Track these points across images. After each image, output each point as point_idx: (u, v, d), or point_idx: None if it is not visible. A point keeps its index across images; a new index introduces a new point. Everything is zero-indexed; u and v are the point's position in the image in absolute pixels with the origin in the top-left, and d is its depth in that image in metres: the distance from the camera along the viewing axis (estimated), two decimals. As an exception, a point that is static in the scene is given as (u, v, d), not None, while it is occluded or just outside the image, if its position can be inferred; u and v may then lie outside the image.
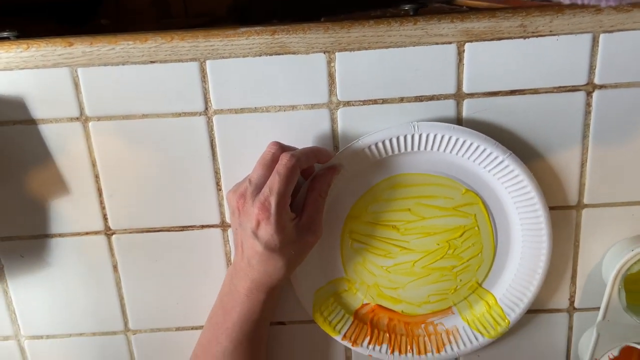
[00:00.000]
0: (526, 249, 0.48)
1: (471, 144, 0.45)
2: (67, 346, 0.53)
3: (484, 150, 0.45)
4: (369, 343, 0.52)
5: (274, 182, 0.41)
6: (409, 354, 0.52)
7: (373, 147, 0.46)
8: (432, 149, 0.46)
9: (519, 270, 0.49)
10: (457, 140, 0.45)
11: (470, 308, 0.52)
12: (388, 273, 0.51)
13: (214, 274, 0.51)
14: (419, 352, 0.52)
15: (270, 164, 0.43)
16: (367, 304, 0.52)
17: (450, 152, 0.46)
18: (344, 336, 0.51)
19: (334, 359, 0.54)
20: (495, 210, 0.49)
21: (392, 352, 0.52)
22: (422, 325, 0.52)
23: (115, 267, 0.51)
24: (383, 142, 0.45)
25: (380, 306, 0.52)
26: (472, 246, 0.50)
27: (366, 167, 0.47)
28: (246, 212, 0.42)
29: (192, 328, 0.53)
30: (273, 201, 0.41)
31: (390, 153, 0.46)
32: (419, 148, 0.46)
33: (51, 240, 0.50)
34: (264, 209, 0.41)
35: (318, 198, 0.45)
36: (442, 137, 0.45)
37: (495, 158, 0.45)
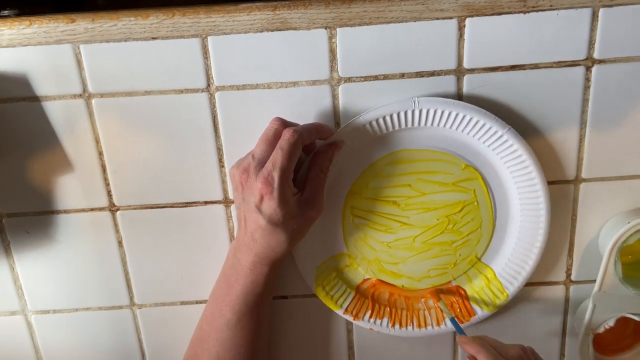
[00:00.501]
0: (524, 224, 0.49)
1: (471, 119, 0.45)
2: (74, 321, 0.54)
3: (484, 125, 0.45)
4: (370, 317, 0.53)
5: (277, 157, 0.42)
6: (409, 328, 0.53)
7: (374, 123, 0.46)
8: (432, 124, 0.46)
9: (517, 244, 0.50)
10: (457, 115, 0.45)
11: (469, 282, 0.53)
12: (389, 248, 0.52)
13: (218, 249, 0.52)
14: (419, 326, 0.53)
15: (272, 140, 0.43)
16: (368, 279, 0.53)
17: (450, 127, 0.46)
18: (346, 310, 0.52)
19: (336, 333, 0.55)
20: (495, 185, 0.49)
21: (393, 325, 0.53)
22: (422, 300, 0.53)
23: (120, 243, 0.52)
24: (384, 118, 0.46)
25: (381, 281, 0.53)
26: (471, 221, 0.50)
27: (367, 143, 0.48)
28: (249, 187, 0.43)
29: (197, 302, 0.54)
30: (276, 176, 0.42)
31: (390, 129, 0.47)
32: (419, 124, 0.46)
33: (56, 217, 0.51)
34: (267, 183, 0.42)
35: (319, 173, 0.46)
36: (442, 113, 0.45)
37: (495, 133, 0.46)
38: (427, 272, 0.52)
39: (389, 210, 0.50)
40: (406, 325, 0.53)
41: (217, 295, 0.49)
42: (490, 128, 0.46)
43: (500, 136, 0.46)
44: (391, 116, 0.46)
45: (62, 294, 0.54)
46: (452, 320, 0.50)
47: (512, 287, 0.51)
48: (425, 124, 0.46)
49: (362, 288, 0.53)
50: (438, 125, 0.46)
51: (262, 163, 0.43)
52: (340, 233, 0.51)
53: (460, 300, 0.52)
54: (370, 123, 0.46)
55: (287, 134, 0.42)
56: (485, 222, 0.50)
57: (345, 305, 0.52)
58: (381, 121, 0.46)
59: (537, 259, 0.50)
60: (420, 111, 0.45)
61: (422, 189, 0.50)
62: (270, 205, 0.42)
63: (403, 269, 0.52)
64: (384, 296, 0.53)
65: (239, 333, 0.48)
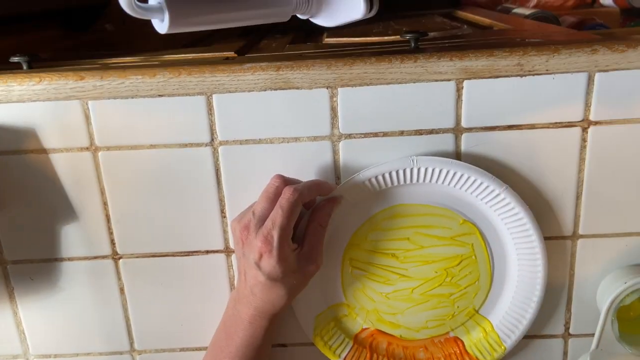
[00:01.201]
0: (522, 278, 0.50)
1: (468, 178, 0.46)
2: (75, 365, 0.55)
3: (481, 183, 0.46)
4: None
5: (277, 216, 0.43)
6: None
7: (373, 179, 0.47)
8: (430, 181, 0.47)
9: (515, 297, 0.51)
10: (454, 173, 0.46)
11: (467, 334, 0.53)
12: (387, 299, 0.52)
13: (218, 297, 0.52)
14: None
15: (273, 197, 0.44)
16: (366, 329, 0.53)
17: (448, 184, 0.47)
18: None
19: (334, 381, 0.55)
20: (492, 240, 0.50)
21: None
22: (421, 349, 0.53)
23: (122, 290, 0.52)
24: (383, 175, 0.47)
25: (379, 331, 0.53)
26: (469, 274, 0.51)
27: (366, 197, 0.48)
28: (249, 244, 0.44)
29: (196, 349, 0.54)
30: (275, 235, 0.42)
31: (389, 185, 0.48)
32: (417, 180, 0.47)
33: (60, 264, 0.51)
34: (266, 242, 0.42)
35: (318, 228, 0.47)
36: (440, 171, 0.46)
37: (492, 191, 0.46)
38: (425, 323, 0.53)
39: (387, 262, 0.51)
40: None
41: (216, 346, 0.49)
42: (487, 187, 0.46)
43: (498, 194, 0.46)
44: (390, 173, 0.47)
45: (64, 338, 0.54)
46: None
47: (509, 340, 0.51)
48: (424, 180, 0.47)
49: (360, 337, 0.53)
50: (436, 182, 0.47)
51: (262, 220, 0.44)
52: (339, 283, 0.52)
53: (459, 352, 0.53)
54: (369, 180, 0.47)
55: (287, 193, 0.43)
56: (483, 275, 0.51)
57: (343, 355, 0.53)
58: (380, 178, 0.47)
59: (535, 313, 0.50)
60: (419, 169, 0.46)
61: (421, 242, 0.50)
62: (270, 262, 0.43)
63: (401, 319, 0.53)
64: (382, 346, 0.54)
65: None
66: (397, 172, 0.46)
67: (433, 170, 0.46)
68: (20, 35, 0.67)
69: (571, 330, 0.53)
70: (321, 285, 0.52)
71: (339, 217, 0.49)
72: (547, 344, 0.53)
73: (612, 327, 0.47)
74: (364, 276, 0.52)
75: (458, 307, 0.52)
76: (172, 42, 0.59)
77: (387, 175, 0.47)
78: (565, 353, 0.54)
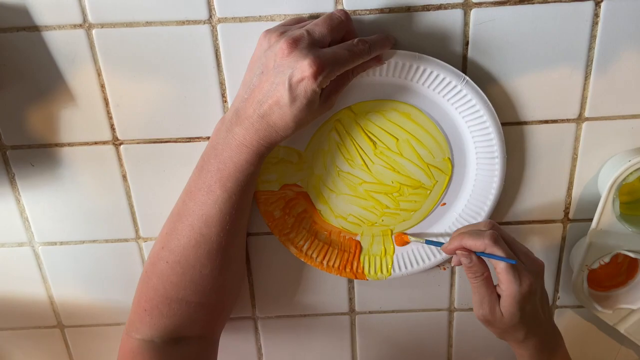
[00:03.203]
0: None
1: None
2: (81, 252, 0.56)
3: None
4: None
5: (343, 57, 0.41)
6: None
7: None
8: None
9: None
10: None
11: (370, 246, 0.54)
12: (337, 175, 0.52)
13: (220, 184, 0.52)
14: None
15: (337, 28, 0.42)
16: (298, 186, 0.53)
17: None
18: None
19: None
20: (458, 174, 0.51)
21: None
22: (325, 232, 0.54)
23: (124, 177, 0.52)
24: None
25: (306, 195, 0.53)
26: (413, 203, 0.52)
27: (393, 81, 0.48)
28: (294, 59, 0.41)
29: (200, 235, 0.55)
30: (333, 73, 0.41)
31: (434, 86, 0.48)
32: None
33: (61, 150, 0.51)
34: (321, 68, 0.40)
35: (349, 75, 0.45)
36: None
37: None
38: (347, 216, 0.53)
39: (364, 145, 0.50)
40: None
41: (205, 170, 0.46)
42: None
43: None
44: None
45: (69, 226, 0.55)
46: (427, 242, 0.51)
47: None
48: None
49: (287, 189, 0.53)
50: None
51: (318, 44, 0.41)
52: (312, 132, 0.51)
53: (352, 254, 0.54)
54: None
55: (360, 45, 0.42)
56: (422, 210, 0.53)
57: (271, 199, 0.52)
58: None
59: None
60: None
61: (404, 151, 0.50)
62: (310, 86, 0.41)
63: (332, 198, 0.53)
64: (297, 209, 0.53)
65: (227, 211, 0.46)
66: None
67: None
68: None
69: (570, 216, 0.53)
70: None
71: (365, 80, 0.47)
72: (547, 229, 0.54)
73: (614, 205, 0.48)
74: (336, 142, 0.51)
75: (382, 220, 0.53)
76: None
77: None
78: (563, 238, 0.54)
